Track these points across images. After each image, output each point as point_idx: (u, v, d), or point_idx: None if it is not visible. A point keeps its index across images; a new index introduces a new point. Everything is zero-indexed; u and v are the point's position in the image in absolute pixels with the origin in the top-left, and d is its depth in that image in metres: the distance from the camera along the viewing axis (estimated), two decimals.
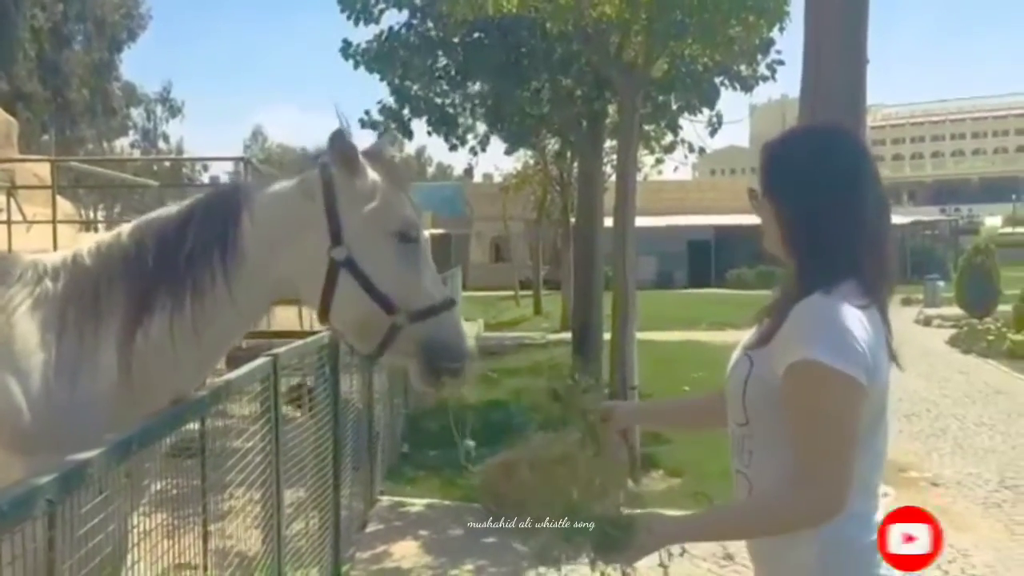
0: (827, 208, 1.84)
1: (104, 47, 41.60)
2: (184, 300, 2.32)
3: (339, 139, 2.45)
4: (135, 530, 2.39)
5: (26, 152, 26.11)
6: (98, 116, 41.98)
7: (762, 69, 10.84)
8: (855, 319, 1.74)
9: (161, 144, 52.53)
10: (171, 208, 2.53)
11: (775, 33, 9.76)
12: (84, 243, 2.54)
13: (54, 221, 13.38)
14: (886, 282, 1.88)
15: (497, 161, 61.28)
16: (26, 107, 33.42)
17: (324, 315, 2.44)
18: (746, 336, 2.04)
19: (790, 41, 11.14)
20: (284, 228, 2.42)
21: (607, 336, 9.99)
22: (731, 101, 73.34)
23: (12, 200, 15.51)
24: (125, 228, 2.48)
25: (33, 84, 36.12)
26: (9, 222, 15.19)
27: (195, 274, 2.34)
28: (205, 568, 2.87)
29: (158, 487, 2.63)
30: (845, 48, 3.43)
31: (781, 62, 10.70)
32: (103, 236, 2.53)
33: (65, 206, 16.18)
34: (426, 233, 2.58)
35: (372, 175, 2.45)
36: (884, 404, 1.83)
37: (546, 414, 2.32)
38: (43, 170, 19.10)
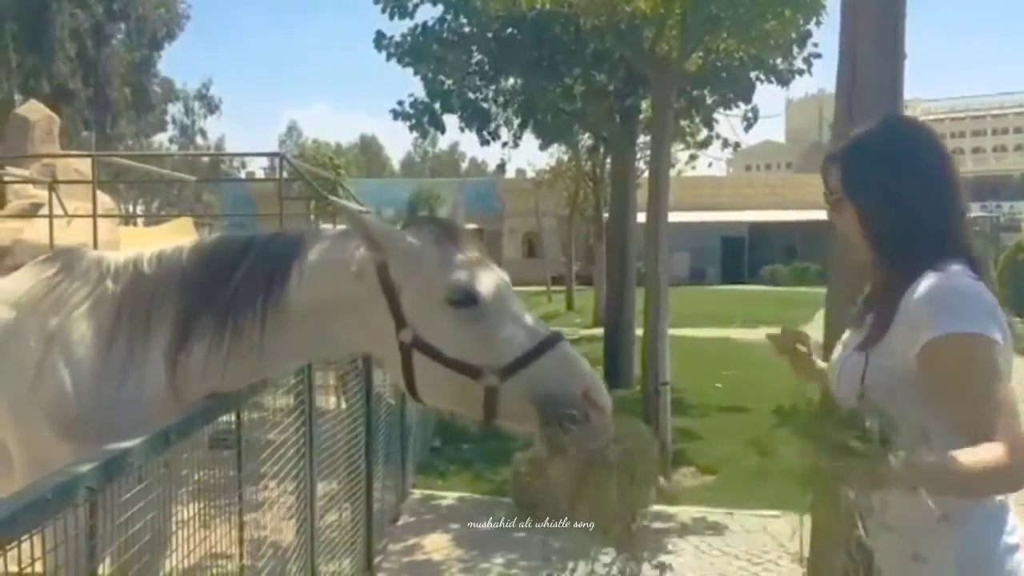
0: (919, 195, 1.84)
1: (144, 45, 42.23)
2: (224, 336, 2.34)
3: (367, 227, 2.32)
4: (172, 519, 2.44)
5: (67, 148, 26.57)
6: (137, 113, 42.62)
7: (798, 63, 10.75)
8: (977, 286, 1.74)
9: (199, 140, 53.26)
10: (234, 238, 2.56)
11: (812, 26, 9.67)
12: (148, 248, 2.57)
13: (94, 215, 13.59)
14: (980, 260, 1.86)
15: (530, 157, 61.27)
16: (68, 104, 34.01)
17: (415, 397, 2.36)
18: (847, 338, 2.01)
19: (827, 34, 11.05)
20: (335, 298, 2.35)
21: (639, 332, 9.96)
22: (767, 96, 72.66)
23: (54, 194, 15.81)
24: (188, 245, 2.53)
25: (75, 82, 36.78)
26: (51, 216, 15.49)
27: (237, 315, 2.34)
28: (240, 557, 2.91)
29: (195, 477, 2.68)
30: (882, 42, 3.38)
31: (818, 55, 10.60)
32: (167, 247, 2.55)
33: (105, 200, 16.42)
34: (500, 279, 2.35)
35: (415, 243, 2.31)
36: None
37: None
38: (84, 165, 19.41)
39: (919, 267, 1.79)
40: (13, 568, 1.52)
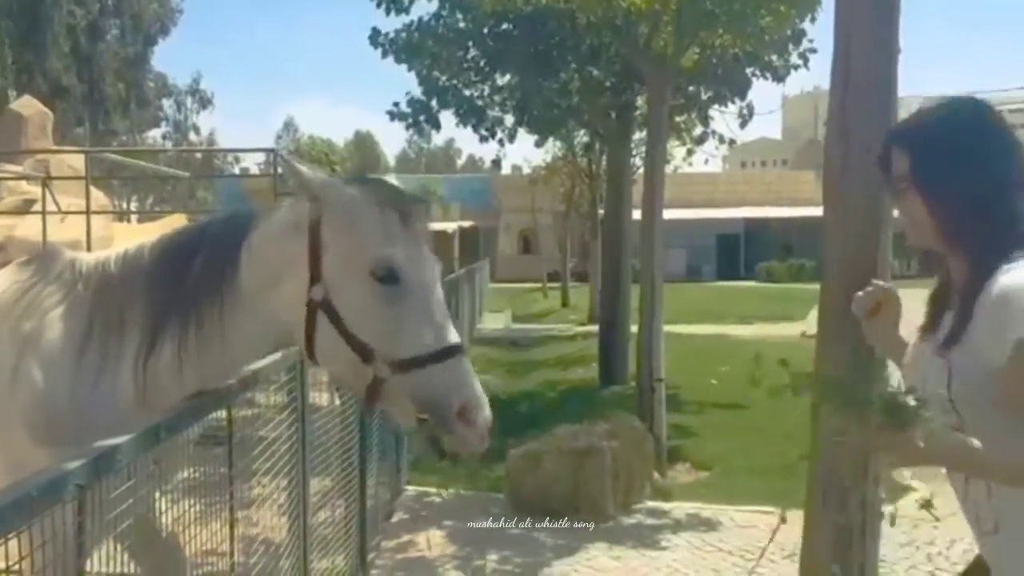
0: (989, 182, 1.77)
1: (138, 41, 42.11)
2: (188, 330, 2.30)
3: (294, 168, 2.29)
4: (163, 516, 2.43)
5: (61, 144, 26.49)
6: (131, 109, 42.52)
7: (794, 59, 10.73)
8: None
9: (192, 136, 53.12)
10: (191, 227, 2.55)
11: (807, 23, 9.67)
12: (117, 246, 2.55)
13: (88, 212, 13.54)
14: None
15: (526, 153, 61.24)
16: (62, 100, 33.91)
17: (312, 359, 2.30)
18: (917, 339, 1.94)
19: (822, 31, 11.06)
20: (276, 265, 2.28)
21: (634, 329, 9.96)
22: (763, 92, 72.62)
23: (47, 191, 15.76)
24: (149, 243, 2.49)
25: (69, 78, 36.67)
26: (44, 212, 15.44)
27: (198, 306, 2.31)
28: (232, 554, 2.90)
29: (186, 475, 2.67)
30: (876, 37, 3.37)
31: (813, 51, 10.58)
32: (130, 246, 2.52)
33: (99, 196, 16.40)
34: (432, 269, 2.25)
35: (355, 201, 2.23)
36: None
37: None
38: (77, 161, 19.35)
39: (994, 260, 1.71)
40: (0, 564, 1.51)
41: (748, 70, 10.72)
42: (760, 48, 9.47)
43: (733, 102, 11.48)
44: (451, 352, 2.15)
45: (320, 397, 4.67)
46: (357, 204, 2.20)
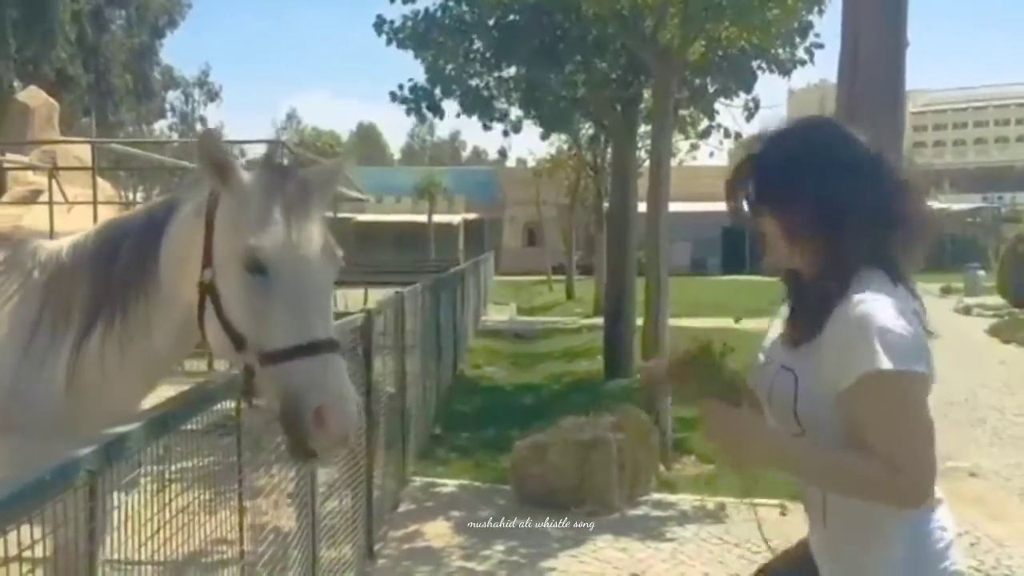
0: (836, 201, 1.80)
1: (145, 32, 42.11)
2: (115, 316, 2.29)
3: (207, 141, 2.20)
4: (171, 505, 2.44)
5: (67, 134, 26.53)
6: (138, 100, 42.55)
7: (800, 53, 10.70)
8: (901, 312, 1.73)
9: (199, 127, 53.14)
10: (129, 214, 2.53)
11: (814, 16, 9.64)
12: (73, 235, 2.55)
13: (95, 202, 13.58)
14: (911, 262, 1.86)
15: (531, 145, 61.15)
16: (68, 91, 33.93)
17: (206, 341, 2.26)
18: (769, 341, 2.02)
19: (829, 24, 11.01)
20: (185, 249, 2.25)
21: (640, 322, 9.95)
22: (768, 86, 72.41)
23: (54, 181, 15.79)
24: (95, 228, 2.50)
25: (75, 68, 36.66)
26: (51, 202, 15.47)
27: (125, 293, 2.30)
28: (242, 543, 2.92)
29: (194, 464, 2.68)
30: (884, 31, 3.37)
31: (820, 45, 10.55)
32: (81, 234, 2.53)
33: (106, 187, 16.45)
34: (305, 260, 2.14)
35: (244, 185, 2.17)
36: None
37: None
38: (84, 152, 19.39)
39: (840, 279, 1.78)
40: (13, 551, 1.52)
41: (754, 63, 10.70)
42: (767, 41, 9.43)
43: (738, 96, 11.46)
44: (315, 348, 2.05)
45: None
46: (244, 189, 2.16)
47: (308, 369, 2.03)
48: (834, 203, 1.80)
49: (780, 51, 10.50)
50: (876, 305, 1.73)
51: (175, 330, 2.31)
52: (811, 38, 10.39)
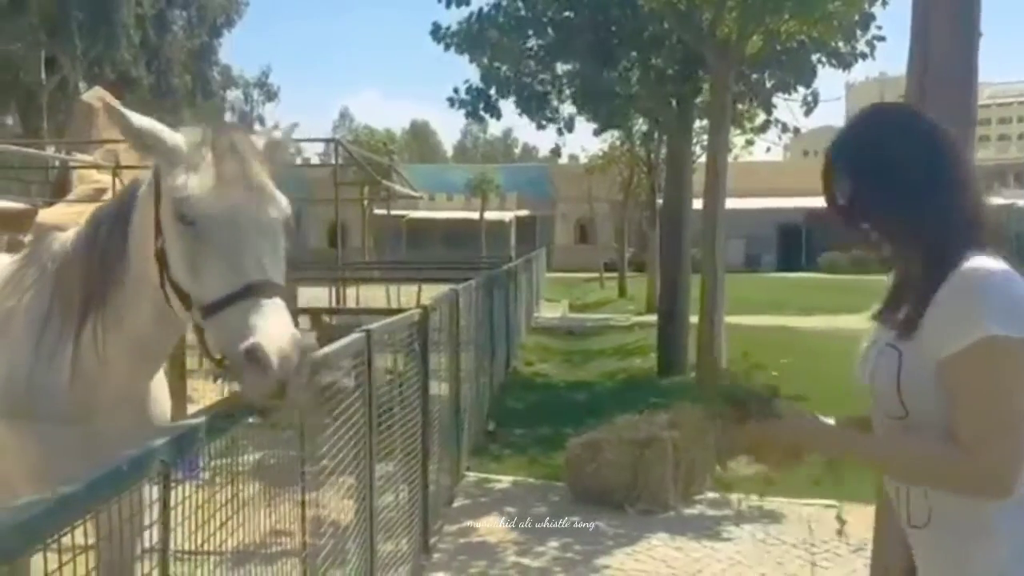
0: (924, 196, 1.75)
1: (204, 32, 42.96)
2: (101, 303, 2.31)
3: (113, 115, 2.18)
4: (235, 499, 2.49)
5: None
6: (198, 99, 43.44)
7: (861, 46, 10.48)
8: (1013, 283, 1.66)
9: (257, 127, 54.09)
10: (111, 200, 2.56)
11: (876, 7, 9.43)
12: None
13: None
14: (1007, 242, 1.78)
15: (583, 142, 61.08)
16: (131, 91, 34.76)
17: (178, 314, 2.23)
18: (873, 330, 1.93)
19: (891, 16, 10.76)
20: (144, 225, 2.24)
21: (694, 319, 9.86)
22: (826, 79, 71.05)
23: (117, 179, 16.22)
24: (86, 218, 2.51)
25: (138, 69, 37.57)
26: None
27: (105, 278, 2.31)
28: (304, 534, 2.96)
29: (257, 457, 2.72)
30: (957, 20, 3.27)
31: (882, 38, 10.32)
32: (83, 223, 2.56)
33: None
34: (235, 203, 2.07)
35: (176, 145, 2.14)
36: None
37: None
38: None
39: (951, 258, 1.70)
40: (90, 540, 1.56)
41: (813, 57, 10.51)
42: (828, 34, 9.26)
43: (796, 90, 11.26)
44: (247, 292, 1.97)
45: (385, 383, 4.73)
46: (177, 147, 2.13)
47: (240, 314, 1.95)
48: (922, 192, 1.76)
49: (840, 44, 10.29)
50: (993, 269, 1.66)
51: (153, 310, 2.28)
52: (872, 31, 10.18)
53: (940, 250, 1.73)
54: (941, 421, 1.69)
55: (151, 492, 1.78)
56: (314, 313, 11.21)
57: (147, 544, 1.91)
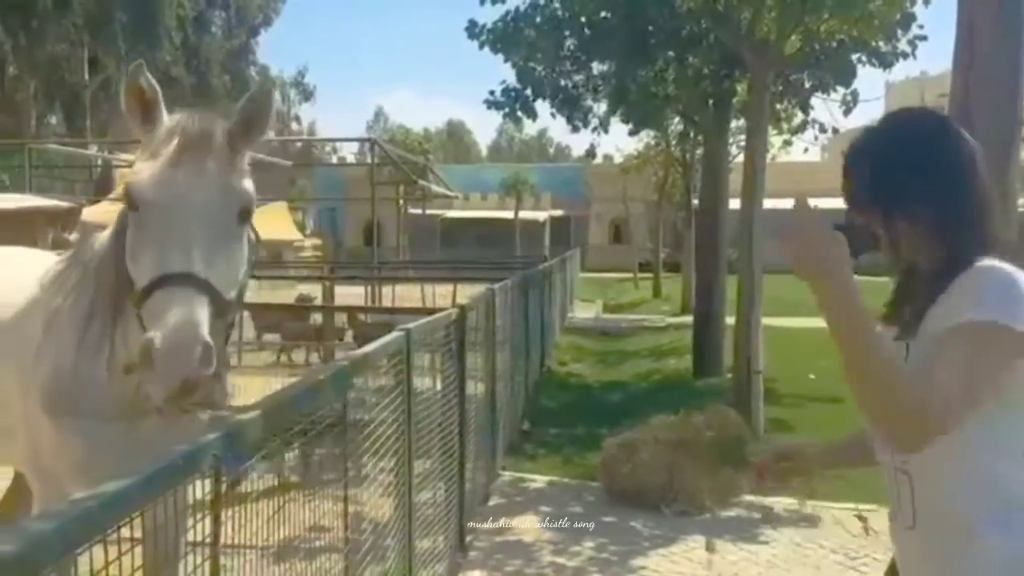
0: (943, 199, 1.77)
1: (243, 32, 43.48)
2: (125, 295, 2.31)
3: (134, 79, 2.15)
4: (283, 493, 2.54)
5: None
6: (236, 99, 44.01)
7: (902, 45, 10.32)
8: (1013, 275, 1.68)
9: (294, 126, 54.66)
10: None
11: (918, 7, 9.30)
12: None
13: None
14: (1012, 254, 1.80)
15: (618, 142, 60.85)
16: (172, 91, 35.31)
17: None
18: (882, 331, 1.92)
19: (933, 15, 10.61)
20: None
21: (730, 320, 9.80)
22: (865, 78, 70.12)
23: None
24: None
25: (178, 69, 38.13)
26: None
27: (126, 271, 2.27)
28: (346, 529, 3.00)
29: (296, 454, 2.77)
30: (1002, 19, 3.23)
31: (923, 37, 10.16)
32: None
33: None
34: (176, 188, 2.03)
35: (154, 134, 2.14)
36: None
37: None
38: None
39: (964, 260, 1.73)
40: (138, 534, 1.60)
41: (853, 56, 10.38)
42: (868, 33, 9.15)
43: (835, 90, 11.13)
44: (163, 282, 1.91)
45: (422, 381, 4.77)
46: (155, 133, 2.13)
47: (153, 305, 1.90)
48: (945, 197, 1.78)
49: (881, 44, 10.15)
50: (999, 266, 1.70)
51: None
52: (914, 30, 10.03)
53: (956, 252, 1.75)
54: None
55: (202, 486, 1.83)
56: (350, 311, 11.34)
57: (197, 538, 1.96)
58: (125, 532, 1.47)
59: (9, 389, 2.64)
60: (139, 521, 1.51)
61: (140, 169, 2.08)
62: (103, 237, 2.59)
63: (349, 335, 10.89)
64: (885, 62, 10.52)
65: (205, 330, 1.88)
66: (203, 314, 1.89)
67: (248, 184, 2.17)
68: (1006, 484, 1.67)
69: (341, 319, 11.21)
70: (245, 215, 2.14)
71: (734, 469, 1.85)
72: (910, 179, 1.79)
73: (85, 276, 2.55)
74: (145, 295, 1.94)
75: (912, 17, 9.67)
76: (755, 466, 2.10)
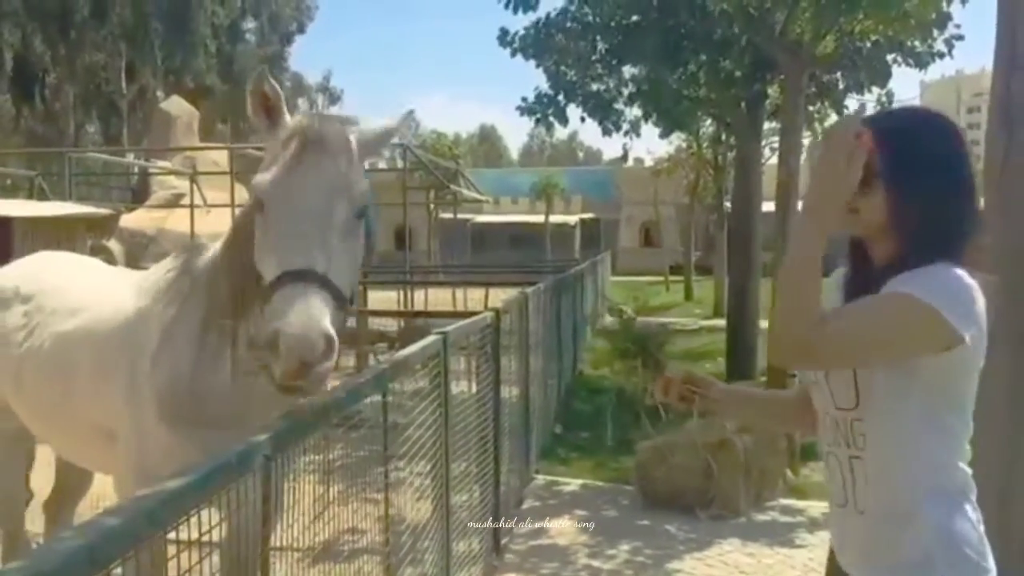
0: (951, 191, 1.82)
1: (276, 40, 43.98)
2: (249, 301, 2.36)
3: (258, 84, 2.25)
4: (326, 494, 2.57)
5: (205, 141, 27.99)
6: None
7: (938, 44, 10.21)
8: (973, 285, 1.73)
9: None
10: (244, 209, 2.60)
11: (955, 5, 9.19)
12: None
13: (232, 205, 14.30)
14: (987, 269, 1.83)
15: (649, 144, 60.52)
16: (206, 99, 35.78)
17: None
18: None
19: (970, 14, 10.48)
20: None
21: (764, 324, 9.74)
22: (900, 77, 69.39)
23: (194, 185, 16.73)
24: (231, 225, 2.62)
25: (212, 78, 38.64)
26: (192, 206, 16.36)
27: (249, 275, 2.31)
28: (387, 530, 3.04)
29: (334, 456, 2.80)
30: None
31: (960, 36, 10.05)
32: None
33: (241, 191, 17.32)
34: (299, 191, 2.12)
35: (276, 137, 2.22)
36: (975, 377, 1.80)
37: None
38: (221, 157, 20.45)
39: (920, 261, 1.77)
40: (194, 533, 1.64)
41: (889, 56, 10.29)
42: (903, 33, 9.06)
43: (870, 90, 11.04)
44: (285, 279, 2.00)
45: (457, 384, 4.81)
46: (276, 134, 2.21)
47: (277, 301, 1.99)
48: (954, 192, 1.82)
49: (917, 43, 10.05)
50: (959, 271, 1.74)
51: None
52: (950, 29, 9.92)
53: (922, 250, 1.79)
54: (888, 413, 1.79)
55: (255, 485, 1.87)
56: (382, 316, 11.43)
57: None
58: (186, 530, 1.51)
59: (121, 395, 2.69)
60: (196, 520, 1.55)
61: (261, 171, 2.18)
62: (213, 248, 2.65)
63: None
64: (921, 62, 10.42)
65: (328, 322, 1.97)
66: (325, 308, 1.99)
67: (365, 183, 2.25)
68: (947, 472, 1.80)
69: (375, 322, 11.30)
70: (361, 213, 2.22)
71: (649, 374, 1.90)
72: (929, 169, 1.83)
73: (195, 286, 2.60)
74: (270, 291, 2.03)
75: (948, 16, 9.57)
76: (663, 379, 2.12)
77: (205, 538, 1.67)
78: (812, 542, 5.56)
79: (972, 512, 1.80)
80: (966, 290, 1.72)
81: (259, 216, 2.15)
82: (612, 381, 12.08)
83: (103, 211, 14.40)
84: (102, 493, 4.07)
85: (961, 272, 1.74)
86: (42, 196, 16.54)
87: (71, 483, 4.13)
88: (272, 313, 1.98)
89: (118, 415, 2.71)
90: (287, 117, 2.27)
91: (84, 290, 3.10)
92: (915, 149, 1.84)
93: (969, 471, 1.83)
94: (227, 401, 2.49)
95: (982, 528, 1.81)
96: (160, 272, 2.79)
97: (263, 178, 2.14)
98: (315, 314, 1.94)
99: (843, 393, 1.86)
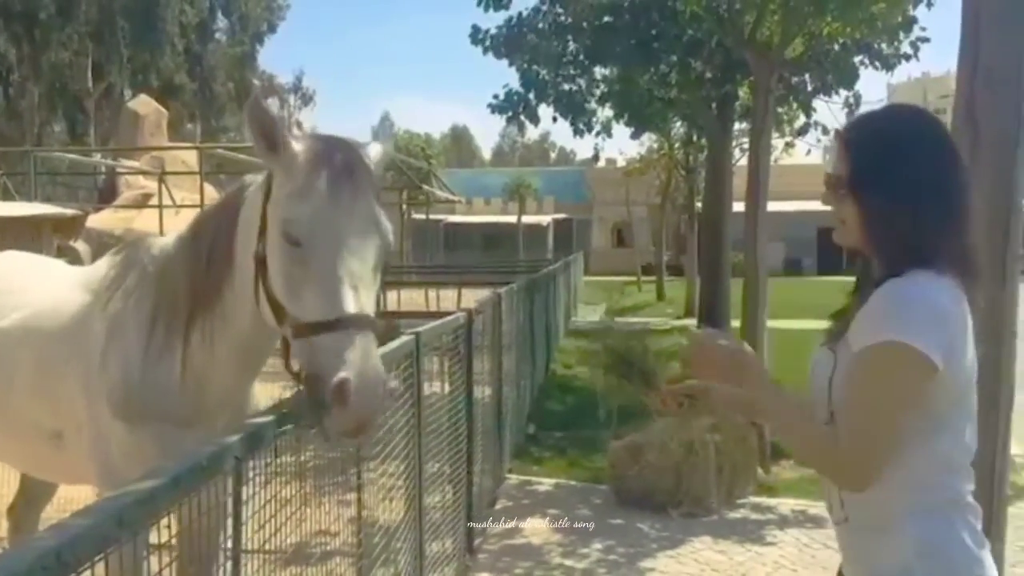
0: (923, 195, 1.76)
1: (246, 39, 43.62)
2: (209, 302, 2.37)
3: (255, 108, 2.17)
4: (275, 499, 2.55)
5: (173, 140, 27.70)
6: (240, 106, 44.15)
7: (904, 47, 10.37)
8: (937, 299, 1.69)
9: (295, 131, 54.82)
10: (213, 205, 2.64)
11: (921, 8, 9.34)
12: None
13: (201, 205, 14.17)
14: (973, 270, 1.79)
15: (621, 145, 60.86)
16: (174, 98, 35.41)
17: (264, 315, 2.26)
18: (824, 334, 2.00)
19: (935, 17, 10.65)
20: (250, 225, 2.28)
21: (735, 323, 9.82)
22: (868, 79, 70.26)
23: (163, 185, 16.55)
24: (191, 221, 2.61)
25: (181, 77, 38.25)
26: (160, 206, 16.18)
27: (212, 277, 2.35)
28: (359, 532, 3.02)
29: (304, 458, 2.78)
30: (1008, 17, 3.25)
31: (926, 39, 10.21)
32: (183, 228, 2.64)
33: (210, 191, 17.19)
34: (341, 232, 2.08)
35: (296, 158, 2.15)
36: (966, 389, 1.78)
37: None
38: (190, 157, 20.25)
39: (899, 270, 1.74)
40: (164, 533, 1.63)
41: (856, 59, 10.42)
42: (871, 35, 9.18)
43: (838, 92, 11.18)
44: (342, 324, 1.98)
45: (431, 386, 4.79)
46: (295, 160, 2.14)
47: (333, 343, 1.97)
48: (916, 198, 1.77)
49: (883, 46, 10.20)
50: (907, 282, 1.71)
51: (253, 309, 2.29)
52: (916, 31, 10.07)
53: (890, 260, 1.78)
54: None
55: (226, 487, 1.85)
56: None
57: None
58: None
59: (72, 394, 2.66)
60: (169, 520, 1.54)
61: (296, 203, 2.09)
62: (163, 243, 2.63)
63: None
64: (888, 64, 10.57)
65: (383, 373, 2.01)
66: (378, 355, 2.03)
67: (387, 219, 2.22)
68: (935, 489, 1.78)
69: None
70: (388, 249, 2.21)
71: (640, 387, 1.88)
72: (888, 162, 1.79)
73: (143, 281, 2.57)
74: (317, 330, 2.01)
75: (914, 19, 9.72)
76: (661, 392, 2.09)
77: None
78: (783, 539, 5.62)
79: (962, 527, 1.76)
80: (925, 308, 1.68)
81: (291, 251, 2.08)
82: (584, 381, 12.12)
83: (69, 211, 14.19)
84: (69, 497, 4.01)
85: (924, 283, 1.70)
86: (7, 196, 16.28)
87: (36, 488, 4.05)
88: (318, 354, 1.98)
89: (67, 415, 2.68)
90: (288, 138, 2.19)
91: (25, 289, 3.03)
92: (877, 157, 1.80)
93: (965, 487, 1.80)
94: (179, 396, 2.47)
95: (976, 544, 1.76)
96: (104, 267, 2.77)
97: (300, 212, 2.07)
98: (378, 364, 1.98)
99: (823, 407, 1.85)
